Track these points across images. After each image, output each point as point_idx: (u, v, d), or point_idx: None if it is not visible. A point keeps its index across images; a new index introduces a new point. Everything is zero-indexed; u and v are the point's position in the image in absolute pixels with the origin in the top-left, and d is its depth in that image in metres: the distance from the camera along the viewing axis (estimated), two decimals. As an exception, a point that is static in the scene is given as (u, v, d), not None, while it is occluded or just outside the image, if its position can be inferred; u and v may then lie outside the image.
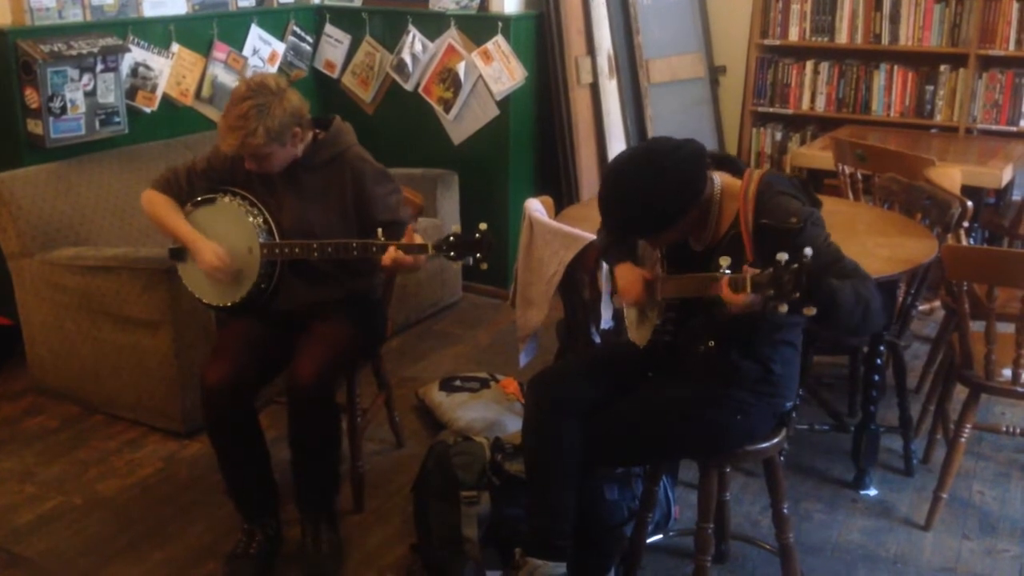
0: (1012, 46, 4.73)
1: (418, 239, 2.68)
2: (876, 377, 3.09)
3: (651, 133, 4.97)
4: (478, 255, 2.59)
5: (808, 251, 1.85)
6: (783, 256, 1.86)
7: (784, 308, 1.86)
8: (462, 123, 4.67)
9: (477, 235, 2.58)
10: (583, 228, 2.85)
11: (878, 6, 4.98)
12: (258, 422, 2.75)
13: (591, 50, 4.72)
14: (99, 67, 3.79)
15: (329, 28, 4.89)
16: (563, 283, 2.88)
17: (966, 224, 3.15)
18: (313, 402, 2.63)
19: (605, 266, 2.78)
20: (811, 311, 1.87)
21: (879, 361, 3.09)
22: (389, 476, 3.20)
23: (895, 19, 4.96)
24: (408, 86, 4.74)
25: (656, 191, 2.15)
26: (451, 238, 2.59)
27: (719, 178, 2.28)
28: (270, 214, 2.75)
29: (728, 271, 2.01)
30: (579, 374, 2.47)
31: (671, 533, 2.80)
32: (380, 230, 2.66)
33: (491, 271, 2.73)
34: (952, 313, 3.22)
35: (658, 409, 2.33)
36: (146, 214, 2.84)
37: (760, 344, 2.28)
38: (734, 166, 2.33)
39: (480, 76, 4.54)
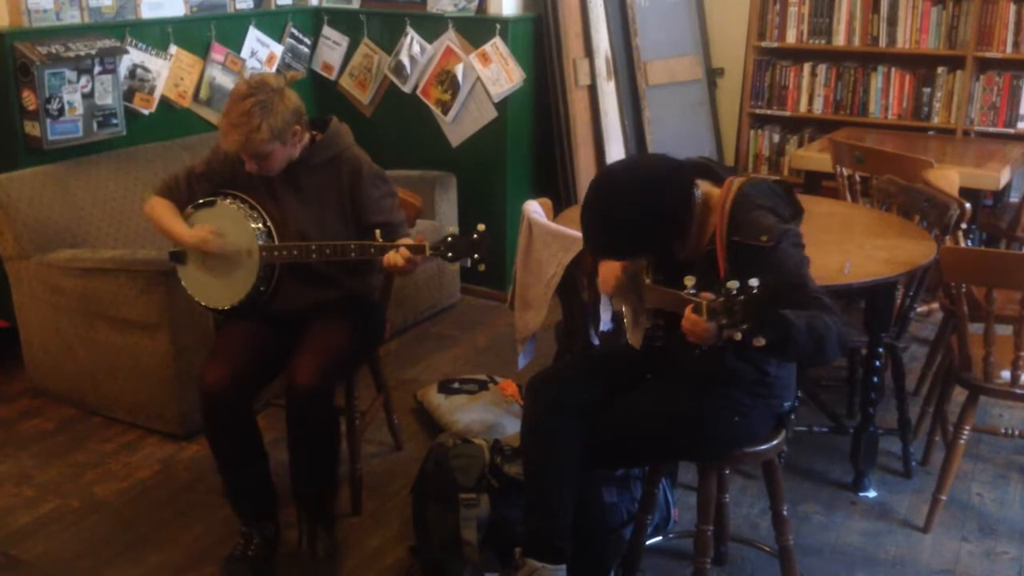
0: (1009, 48, 4.73)
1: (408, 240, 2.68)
2: (875, 379, 3.09)
3: (649, 135, 4.96)
4: (476, 256, 2.57)
5: (754, 282, 1.82)
6: (734, 284, 1.83)
7: (738, 336, 1.85)
8: (460, 125, 4.67)
9: (475, 236, 2.56)
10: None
11: (875, 8, 4.98)
12: (256, 424, 2.74)
13: (589, 52, 4.72)
14: (97, 69, 3.79)
15: (327, 30, 4.89)
16: (562, 285, 2.88)
17: (964, 226, 3.15)
18: (312, 403, 2.62)
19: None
20: (760, 342, 1.86)
21: (878, 363, 3.09)
22: (387, 479, 3.19)
23: (892, 21, 4.96)
24: (406, 88, 4.74)
25: (634, 219, 2.17)
26: (448, 239, 2.57)
27: (701, 188, 2.24)
28: (270, 217, 2.74)
29: (692, 291, 1.98)
30: (577, 375, 2.47)
31: (670, 535, 2.79)
32: (378, 232, 2.65)
33: (489, 273, 2.72)
34: (950, 315, 3.23)
35: (656, 410, 2.32)
36: (149, 220, 2.85)
37: (752, 348, 2.26)
38: (714, 175, 2.30)
39: (478, 78, 4.53)
